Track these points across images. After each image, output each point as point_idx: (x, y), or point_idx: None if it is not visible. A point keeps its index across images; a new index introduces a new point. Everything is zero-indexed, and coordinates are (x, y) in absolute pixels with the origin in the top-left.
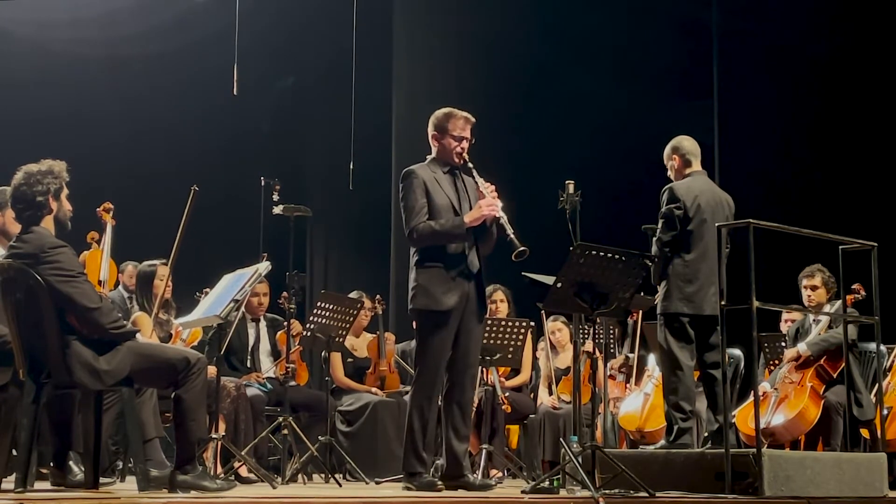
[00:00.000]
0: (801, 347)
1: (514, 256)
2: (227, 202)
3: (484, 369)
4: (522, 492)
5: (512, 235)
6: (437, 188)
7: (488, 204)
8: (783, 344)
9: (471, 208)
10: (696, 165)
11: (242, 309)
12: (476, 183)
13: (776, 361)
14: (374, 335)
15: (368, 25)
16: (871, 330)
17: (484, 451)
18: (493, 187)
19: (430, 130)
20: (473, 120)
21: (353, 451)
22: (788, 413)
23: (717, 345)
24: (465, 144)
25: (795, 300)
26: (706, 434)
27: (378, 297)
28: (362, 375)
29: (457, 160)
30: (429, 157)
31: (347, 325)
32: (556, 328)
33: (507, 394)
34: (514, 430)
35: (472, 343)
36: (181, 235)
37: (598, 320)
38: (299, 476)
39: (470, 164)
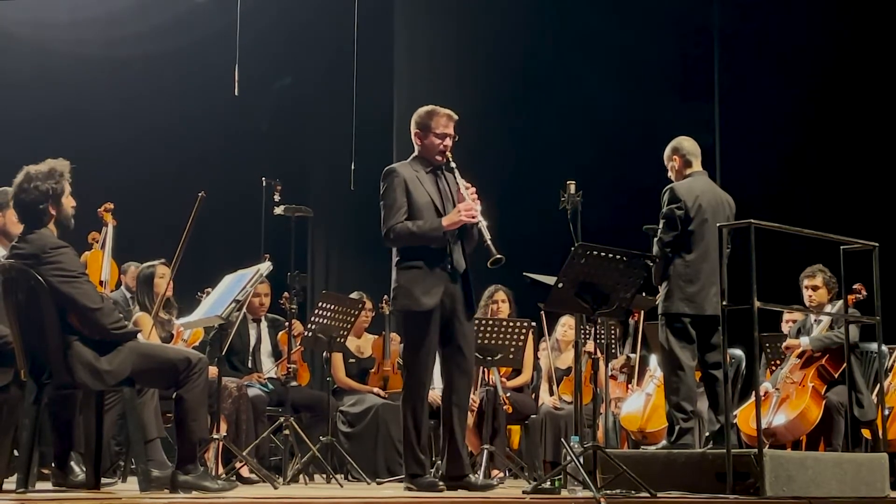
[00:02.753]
0: (804, 341)
1: (490, 264)
2: (228, 203)
3: (485, 370)
4: (524, 492)
5: (489, 242)
6: (419, 186)
7: (467, 208)
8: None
9: (454, 206)
10: (697, 166)
11: (244, 309)
12: (457, 183)
13: (777, 361)
14: (376, 336)
15: (369, 25)
16: (873, 330)
17: (485, 452)
18: (473, 189)
19: (413, 129)
20: (456, 117)
21: (354, 451)
22: (790, 413)
23: (719, 345)
24: (449, 142)
25: (797, 300)
26: (707, 434)
27: (385, 297)
28: (366, 375)
29: (440, 158)
30: (412, 156)
31: (349, 326)
32: (569, 324)
33: (508, 394)
34: (516, 430)
35: (463, 343)
36: (185, 241)
37: (600, 320)
38: (301, 476)
39: (453, 164)
